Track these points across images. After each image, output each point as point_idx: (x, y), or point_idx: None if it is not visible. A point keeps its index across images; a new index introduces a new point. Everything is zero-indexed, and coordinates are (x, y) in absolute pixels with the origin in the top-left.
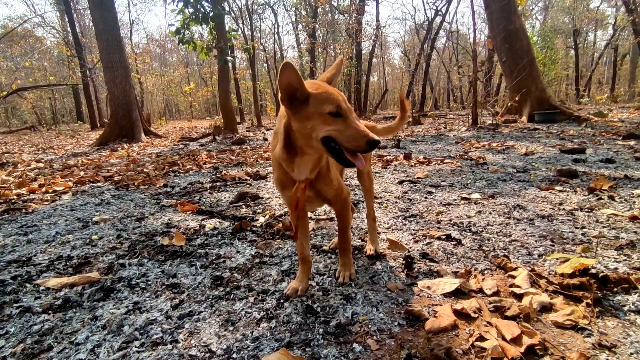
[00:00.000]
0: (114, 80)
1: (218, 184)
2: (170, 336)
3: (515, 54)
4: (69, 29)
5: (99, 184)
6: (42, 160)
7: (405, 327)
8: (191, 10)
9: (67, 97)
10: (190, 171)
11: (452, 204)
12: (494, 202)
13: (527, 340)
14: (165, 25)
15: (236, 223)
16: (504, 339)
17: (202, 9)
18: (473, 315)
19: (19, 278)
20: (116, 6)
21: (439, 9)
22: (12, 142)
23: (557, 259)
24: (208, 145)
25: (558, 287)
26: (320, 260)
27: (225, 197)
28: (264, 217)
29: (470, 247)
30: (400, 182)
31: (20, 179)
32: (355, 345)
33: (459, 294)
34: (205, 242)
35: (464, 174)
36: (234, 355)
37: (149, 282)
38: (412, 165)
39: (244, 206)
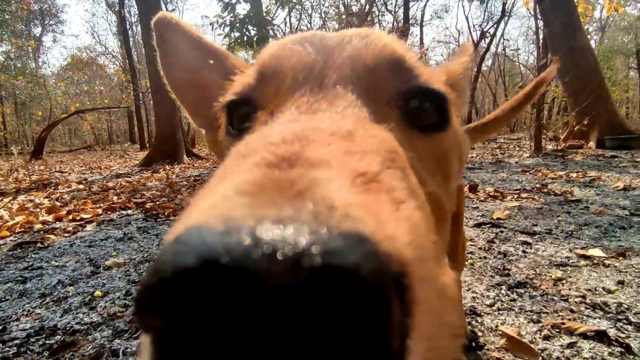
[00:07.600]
0: (161, 103)
1: None
2: None
3: (582, 75)
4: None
5: (129, 211)
6: (84, 182)
7: None
8: (237, 34)
9: (122, 119)
10: None
11: (569, 265)
12: (631, 265)
13: None
14: None
15: None
16: None
17: (247, 32)
18: None
19: None
20: None
21: (486, 31)
22: (68, 161)
23: None
24: None
25: None
26: None
27: None
28: None
29: None
30: (479, 225)
31: (51, 204)
32: None
33: None
34: None
35: (558, 215)
36: None
37: None
38: (482, 200)
39: None
